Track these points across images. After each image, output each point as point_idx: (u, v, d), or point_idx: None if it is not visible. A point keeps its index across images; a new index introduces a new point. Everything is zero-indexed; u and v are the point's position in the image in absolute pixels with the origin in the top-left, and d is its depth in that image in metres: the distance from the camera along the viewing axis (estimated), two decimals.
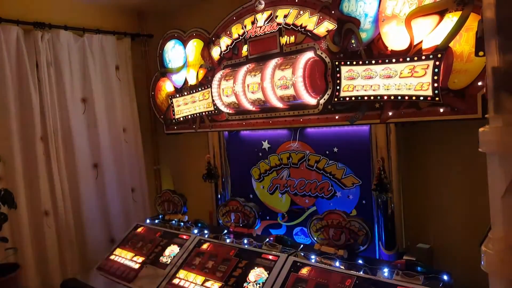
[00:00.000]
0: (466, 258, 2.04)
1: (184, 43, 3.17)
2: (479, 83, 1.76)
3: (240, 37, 2.74)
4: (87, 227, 3.49)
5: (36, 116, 3.18)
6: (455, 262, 2.18)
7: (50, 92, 3.27)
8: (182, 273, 2.55)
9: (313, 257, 2.26)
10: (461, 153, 2.23)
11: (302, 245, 2.48)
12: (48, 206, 3.24)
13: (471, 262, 1.62)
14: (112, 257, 3.02)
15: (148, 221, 3.31)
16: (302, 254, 2.33)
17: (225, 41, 2.84)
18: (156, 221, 3.30)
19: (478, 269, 1.20)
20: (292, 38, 2.46)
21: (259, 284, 2.21)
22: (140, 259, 2.84)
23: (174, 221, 3.20)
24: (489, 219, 1.17)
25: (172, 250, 2.78)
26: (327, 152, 2.56)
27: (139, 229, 3.18)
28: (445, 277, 1.88)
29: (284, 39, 2.50)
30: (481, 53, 1.53)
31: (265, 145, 2.90)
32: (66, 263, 3.32)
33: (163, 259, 2.74)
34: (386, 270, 2.00)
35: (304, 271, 2.16)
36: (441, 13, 1.82)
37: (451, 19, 1.80)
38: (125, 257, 2.94)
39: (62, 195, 3.31)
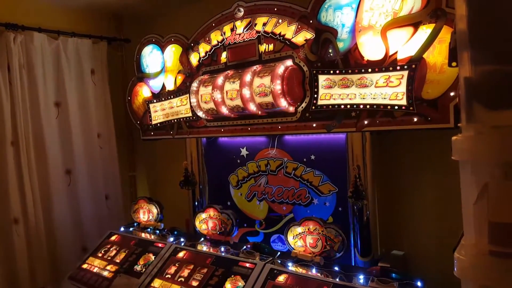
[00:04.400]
0: (439, 264, 2.09)
1: (162, 48, 3.14)
2: (451, 94, 1.81)
3: (219, 43, 2.74)
4: (59, 235, 3.38)
5: (6, 120, 3.08)
6: (428, 269, 2.22)
7: (22, 96, 3.18)
8: (157, 282, 2.49)
9: (290, 264, 2.26)
10: (434, 161, 2.29)
11: (279, 253, 2.47)
12: (18, 213, 3.13)
13: (444, 268, 1.66)
14: (84, 266, 2.93)
15: (122, 229, 3.24)
16: (279, 261, 2.33)
17: (204, 47, 2.83)
18: (131, 229, 3.23)
19: (451, 275, 1.22)
20: (271, 46, 2.47)
21: None
22: (114, 268, 2.77)
23: (149, 229, 3.14)
24: (461, 226, 1.19)
25: (147, 258, 2.73)
26: (305, 160, 2.58)
27: (113, 237, 3.11)
28: (419, 283, 1.91)
29: (263, 47, 2.51)
30: (454, 64, 1.58)
31: (243, 152, 2.90)
32: (36, 272, 3.21)
33: (138, 268, 2.68)
34: (361, 277, 2.02)
35: (281, 278, 2.16)
36: (416, 25, 1.88)
37: (425, 31, 1.86)
38: (98, 266, 2.86)
39: (32, 202, 3.21)
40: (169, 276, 2.50)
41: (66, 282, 2.85)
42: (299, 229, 2.28)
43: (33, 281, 3.17)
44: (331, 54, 2.19)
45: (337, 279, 2.05)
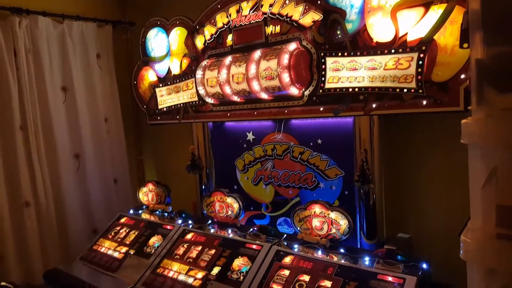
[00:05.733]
0: (445, 247, 2.10)
1: (167, 31, 3.12)
2: (462, 76, 1.78)
3: (225, 26, 2.71)
4: (69, 218, 3.45)
5: (15, 104, 3.10)
6: (434, 251, 2.23)
7: (29, 80, 3.19)
8: (166, 263, 2.54)
9: (296, 246, 2.28)
10: (442, 145, 2.27)
11: (285, 235, 2.50)
12: (29, 196, 3.19)
13: (450, 251, 1.67)
14: (95, 247, 2.99)
15: (131, 211, 3.28)
16: (285, 243, 2.36)
17: (209, 30, 2.81)
18: (140, 211, 3.27)
19: (456, 258, 1.23)
20: (278, 28, 2.44)
21: (243, 272, 2.22)
22: (124, 249, 2.83)
23: (158, 212, 3.18)
24: (467, 210, 1.20)
25: (156, 240, 2.77)
26: (311, 144, 2.58)
27: (123, 220, 3.16)
28: (424, 266, 1.92)
29: (269, 29, 2.48)
30: (465, 45, 1.55)
31: (250, 136, 2.90)
32: (48, 253, 3.28)
33: (147, 249, 2.73)
34: (367, 259, 2.04)
35: (287, 260, 2.19)
36: (426, 6, 1.83)
37: (436, 11, 1.82)
38: (108, 247, 2.92)
39: (43, 185, 3.26)
40: (178, 257, 2.55)
41: (78, 263, 2.91)
42: (305, 212, 2.30)
43: (45, 262, 3.24)
44: (339, 36, 2.16)
45: (343, 261, 2.07)
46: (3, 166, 3.09)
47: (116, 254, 2.81)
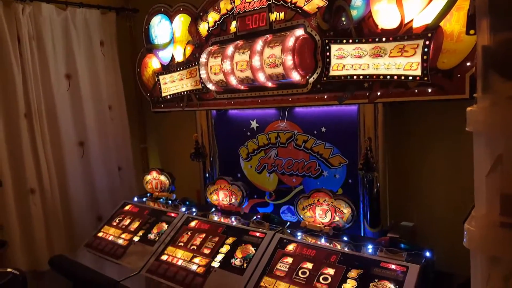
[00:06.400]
0: (448, 236, 2.10)
1: (171, 18, 3.09)
2: (468, 64, 1.76)
3: (229, 12, 2.68)
4: (74, 205, 3.47)
5: (19, 92, 3.10)
6: (437, 240, 2.23)
7: (33, 68, 3.18)
8: (170, 250, 2.57)
9: (299, 234, 2.29)
10: (446, 133, 2.26)
11: (288, 223, 2.51)
12: (34, 183, 3.21)
13: (453, 239, 1.67)
14: (100, 234, 3.02)
15: (136, 199, 3.31)
16: (289, 231, 2.37)
17: (213, 17, 2.78)
18: (144, 199, 3.30)
19: (459, 247, 1.23)
20: (282, 15, 2.41)
21: (246, 260, 2.24)
22: (128, 237, 2.85)
23: (162, 200, 3.20)
24: (470, 198, 1.19)
25: (160, 227, 2.80)
26: (315, 132, 2.57)
27: (127, 207, 3.18)
28: (427, 254, 1.93)
29: (273, 16, 2.46)
30: (472, 32, 1.53)
31: (254, 124, 2.89)
32: (53, 240, 3.32)
33: (151, 236, 2.75)
34: (370, 247, 2.05)
35: (291, 247, 2.20)
36: None
37: None
38: (113, 234, 2.95)
39: (48, 173, 3.28)
40: (182, 244, 2.57)
41: (83, 250, 2.94)
42: (308, 201, 2.30)
43: (50, 249, 3.28)
44: (344, 23, 2.13)
45: (346, 249, 2.08)
46: (8, 153, 3.11)
47: (120, 241, 2.84)
